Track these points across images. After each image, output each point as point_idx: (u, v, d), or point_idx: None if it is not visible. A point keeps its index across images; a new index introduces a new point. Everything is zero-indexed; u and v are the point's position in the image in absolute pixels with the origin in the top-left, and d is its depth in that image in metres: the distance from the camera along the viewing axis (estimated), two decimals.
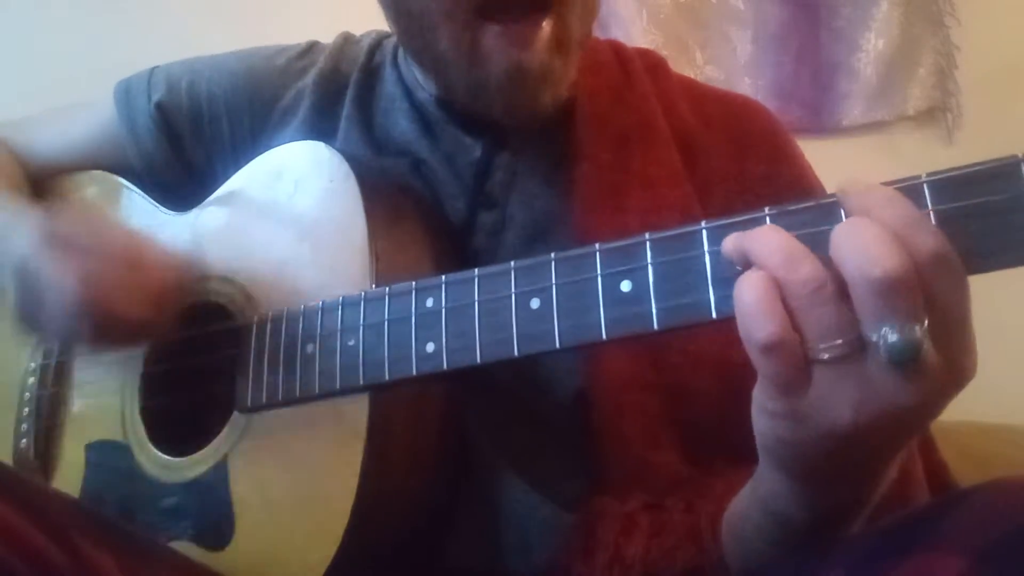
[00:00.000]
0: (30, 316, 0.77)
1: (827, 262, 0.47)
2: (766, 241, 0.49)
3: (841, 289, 0.47)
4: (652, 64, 0.92)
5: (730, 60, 1.91)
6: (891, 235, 0.46)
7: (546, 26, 0.75)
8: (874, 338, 0.46)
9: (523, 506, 0.77)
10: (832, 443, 0.50)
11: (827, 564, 0.55)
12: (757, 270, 0.49)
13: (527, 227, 0.83)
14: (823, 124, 1.89)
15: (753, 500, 0.61)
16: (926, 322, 0.45)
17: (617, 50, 0.93)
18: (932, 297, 0.46)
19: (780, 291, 0.48)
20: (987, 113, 1.89)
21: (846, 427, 0.48)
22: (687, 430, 0.75)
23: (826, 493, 0.55)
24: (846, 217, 0.49)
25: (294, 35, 1.01)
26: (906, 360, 0.45)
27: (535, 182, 0.84)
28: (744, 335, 0.49)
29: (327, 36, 1.00)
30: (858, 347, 0.47)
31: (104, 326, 0.75)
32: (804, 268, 0.47)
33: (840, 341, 0.47)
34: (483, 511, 0.78)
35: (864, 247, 0.46)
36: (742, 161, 0.86)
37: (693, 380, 0.75)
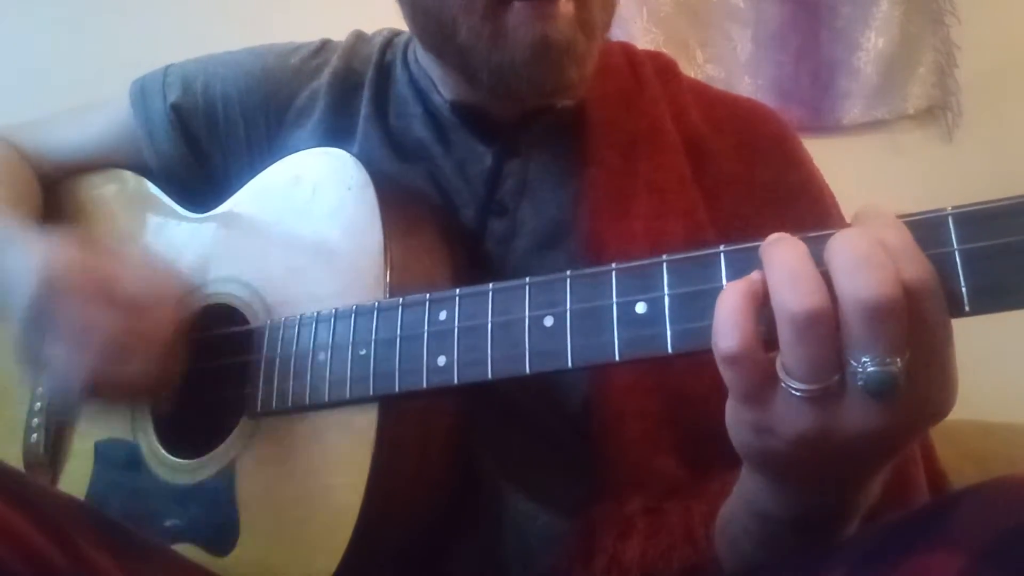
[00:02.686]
0: (32, 361, 0.76)
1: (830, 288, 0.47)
2: (781, 254, 0.49)
3: (833, 323, 0.47)
4: (662, 67, 0.92)
5: (730, 59, 1.91)
6: (884, 255, 0.46)
7: (569, 3, 0.75)
8: (853, 365, 0.46)
9: (524, 515, 0.78)
10: (802, 453, 0.50)
11: (829, 563, 0.55)
12: (743, 280, 0.50)
13: (537, 234, 0.83)
14: (823, 123, 1.90)
15: (739, 500, 0.62)
16: (908, 355, 0.46)
17: (628, 53, 0.92)
18: (917, 328, 0.46)
19: (775, 316, 0.48)
20: (987, 112, 1.90)
21: (812, 443, 0.49)
22: (686, 434, 0.75)
23: (805, 496, 0.56)
24: None
25: (296, 32, 1.01)
26: (881, 393, 0.46)
27: (546, 188, 0.84)
28: (712, 340, 0.50)
29: (332, 33, 1.00)
30: (834, 386, 0.48)
31: (106, 388, 0.75)
32: (804, 294, 0.47)
33: (817, 386, 0.48)
34: (485, 521, 0.79)
35: (856, 263, 0.46)
36: (751, 166, 0.86)
37: (695, 385, 0.74)
